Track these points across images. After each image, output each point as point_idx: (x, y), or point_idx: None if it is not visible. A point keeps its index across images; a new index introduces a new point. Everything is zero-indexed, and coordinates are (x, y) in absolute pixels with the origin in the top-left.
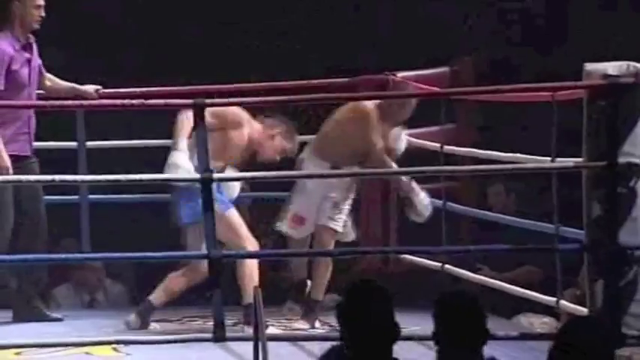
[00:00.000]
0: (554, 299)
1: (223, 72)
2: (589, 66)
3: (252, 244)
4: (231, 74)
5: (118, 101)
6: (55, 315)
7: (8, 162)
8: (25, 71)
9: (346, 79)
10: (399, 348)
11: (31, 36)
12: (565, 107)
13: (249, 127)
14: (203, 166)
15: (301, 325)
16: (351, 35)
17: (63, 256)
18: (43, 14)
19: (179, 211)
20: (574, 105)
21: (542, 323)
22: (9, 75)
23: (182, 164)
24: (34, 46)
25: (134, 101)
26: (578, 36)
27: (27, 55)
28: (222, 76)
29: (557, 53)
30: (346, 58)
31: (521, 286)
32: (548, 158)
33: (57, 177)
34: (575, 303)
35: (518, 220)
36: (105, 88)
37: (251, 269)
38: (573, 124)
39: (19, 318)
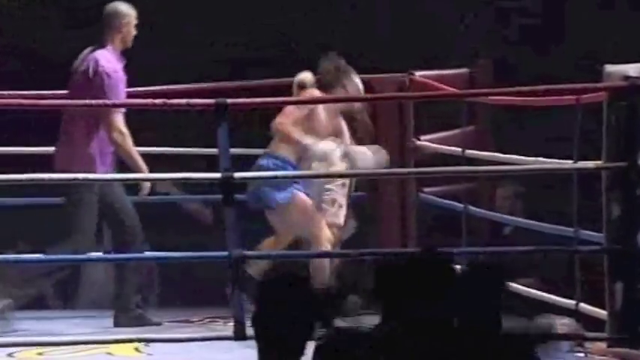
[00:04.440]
0: (574, 302)
1: (225, 73)
2: (609, 67)
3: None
4: (232, 74)
5: (140, 100)
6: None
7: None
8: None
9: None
10: None
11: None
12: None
13: None
14: (225, 165)
15: None
16: (348, 34)
17: (72, 256)
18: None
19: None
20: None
21: (561, 324)
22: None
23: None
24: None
25: (156, 100)
26: (576, 35)
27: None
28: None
29: (555, 52)
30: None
31: None
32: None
33: (65, 176)
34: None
35: (537, 223)
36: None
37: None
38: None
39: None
